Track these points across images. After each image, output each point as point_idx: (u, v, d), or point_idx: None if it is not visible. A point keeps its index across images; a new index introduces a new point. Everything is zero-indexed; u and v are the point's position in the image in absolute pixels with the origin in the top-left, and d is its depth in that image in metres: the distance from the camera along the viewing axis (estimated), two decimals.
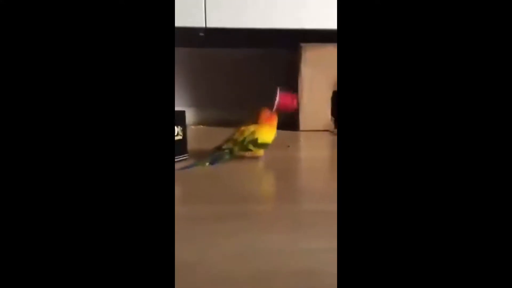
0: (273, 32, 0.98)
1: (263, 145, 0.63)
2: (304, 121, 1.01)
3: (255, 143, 0.62)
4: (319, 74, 1.00)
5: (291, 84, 1.07)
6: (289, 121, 1.09)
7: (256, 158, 0.63)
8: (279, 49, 1.25)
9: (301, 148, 0.76)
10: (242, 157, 0.62)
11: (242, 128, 0.64)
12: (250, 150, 0.62)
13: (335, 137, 0.89)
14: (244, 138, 0.62)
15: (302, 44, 1.00)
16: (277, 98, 0.74)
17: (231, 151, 0.61)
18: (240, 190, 0.45)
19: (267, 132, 0.63)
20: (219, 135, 0.77)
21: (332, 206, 0.39)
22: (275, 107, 0.73)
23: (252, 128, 0.63)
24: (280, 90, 0.74)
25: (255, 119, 0.66)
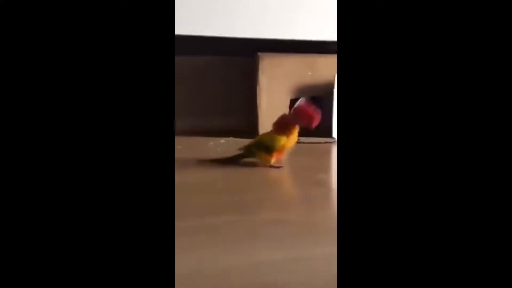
0: (231, 40, 0.98)
1: (266, 148, 0.63)
2: (263, 129, 1.02)
3: (259, 145, 0.64)
4: (277, 82, 1.02)
5: (249, 92, 1.07)
6: (249, 129, 1.10)
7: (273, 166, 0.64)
8: (237, 57, 1.26)
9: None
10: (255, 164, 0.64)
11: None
12: (254, 154, 0.64)
13: (295, 145, 0.91)
14: (251, 143, 0.66)
15: (260, 54, 1.01)
16: (295, 108, 0.67)
17: (242, 156, 0.66)
18: (196, 201, 0.44)
19: (272, 137, 0.64)
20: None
21: (291, 215, 0.39)
22: (291, 116, 0.67)
23: (263, 134, 0.67)
24: (301, 101, 0.67)
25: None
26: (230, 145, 0.89)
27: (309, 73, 1.04)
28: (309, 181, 0.54)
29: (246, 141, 1.00)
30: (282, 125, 0.65)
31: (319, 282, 0.25)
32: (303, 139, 1.01)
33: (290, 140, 0.65)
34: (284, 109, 1.06)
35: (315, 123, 0.64)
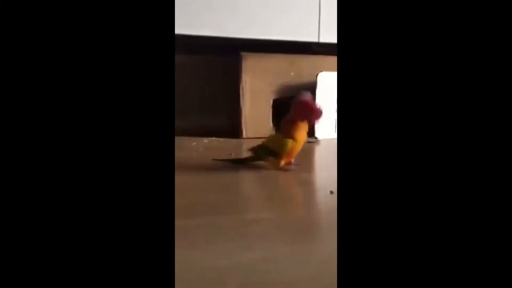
0: (214, 39, 0.98)
1: (273, 153, 0.61)
2: (247, 128, 1.02)
3: (266, 150, 0.62)
4: (259, 82, 1.02)
5: (232, 92, 1.07)
6: (232, 129, 1.10)
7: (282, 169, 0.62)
8: (220, 57, 1.26)
9: (243, 155, 0.77)
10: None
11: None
12: (262, 158, 0.63)
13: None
14: (258, 146, 0.64)
15: (243, 53, 1.01)
16: (296, 103, 0.61)
17: (251, 159, 0.65)
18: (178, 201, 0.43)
19: (279, 141, 0.60)
20: None
21: (273, 215, 0.39)
22: (293, 112, 0.61)
23: (271, 137, 0.64)
24: (299, 97, 0.60)
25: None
26: (213, 145, 0.89)
27: (292, 73, 1.04)
28: (292, 180, 0.55)
29: (229, 141, 1.00)
30: (288, 127, 0.61)
31: (302, 279, 0.25)
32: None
33: (299, 141, 0.61)
34: (267, 109, 1.07)
35: (318, 118, 0.60)
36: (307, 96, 0.61)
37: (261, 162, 0.65)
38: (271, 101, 1.04)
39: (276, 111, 1.04)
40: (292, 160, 0.64)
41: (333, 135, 1.04)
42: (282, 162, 0.61)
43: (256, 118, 1.02)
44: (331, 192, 0.47)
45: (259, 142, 0.66)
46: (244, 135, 1.01)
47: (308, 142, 0.93)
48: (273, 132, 1.03)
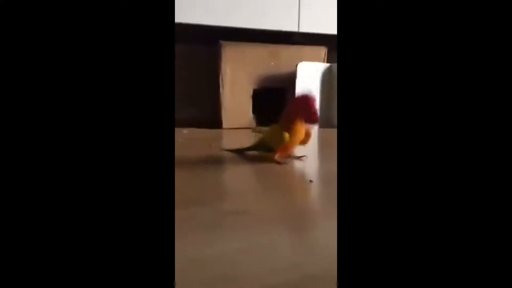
0: (194, 27, 0.96)
1: (267, 147, 0.61)
2: (226, 119, 1.01)
3: (263, 143, 0.63)
4: (239, 72, 1.01)
5: (213, 81, 1.06)
6: (212, 119, 1.09)
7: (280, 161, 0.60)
8: (199, 46, 1.23)
9: (224, 147, 0.76)
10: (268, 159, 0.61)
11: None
12: (261, 150, 0.63)
13: (258, 135, 0.91)
14: (259, 137, 0.64)
15: (222, 42, 0.99)
16: (295, 100, 0.59)
17: (249, 149, 0.65)
18: None
19: (275, 134, 0.59)
20: None
21: (251, 206, 0.39)
22: (291, 109, 0.59)
23: (271, 128, 0.62)
24: (297, 94, 0.56)
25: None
26: (192, 136, 0.88)
27: (272, 63, 1.04)
28: (270, 172, 0.55)
29: (209, 132, 0.99)
30: (285, 120, 0.58)
31: (280, 268, 0.26)
32: (265, 128, 1.01)
33: (295, 136, 0.58)
34: (247, 99, 1.06)
35: (316, 117, 0.56)
36: (308, 94, 0.57)
37: (263, 154, 0.63)
38: (251, 91, 1.03)
39: (257, 102, 1.04)
40: (292, 153, 0.63)
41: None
42: (277, 155, 0.60)
43: (236, 108, 1.02)
44: (311, 181, 0.48)
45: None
46: (224, 125, 1.01)
47: None
48: (253, 123, 1.02)
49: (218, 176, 0.53)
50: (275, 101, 1.09)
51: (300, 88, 1.02)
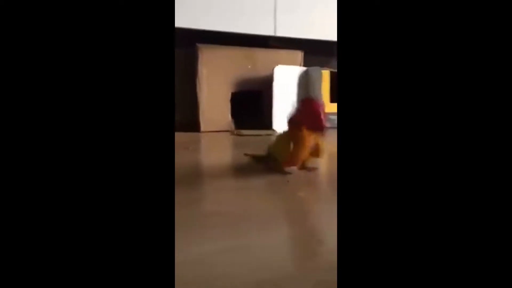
0: None
1: (274, 159, 0.55)
2: (204, 122, 1.01)
3: (271, 155, 0.56)
4: (216, 75, 1.01)
5: (190, 84, 1.05)
6: (189, 122, 1.08)
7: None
8: (177, 49, 1.22)
9: (202, 150, 0.76)
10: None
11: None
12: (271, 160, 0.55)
13: (236, 138, 0.92)
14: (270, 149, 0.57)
15: (199, 45, 0.99)
16: (300, 105, 0.53)
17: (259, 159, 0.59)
18: None
19: (277, 143, 0.55)
20: None
21: (230, 207, 0.39)
22: (296, 115, 0.52)
23: (277, 138, 0.56)
24: (302, 100, 0.51)
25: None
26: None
27: (249, 66, 1.05)
28: (249, 173, 0.55)
29: (187, 135, 0.99)
30: (291, 128, 0.52)
31: (257, 269, 0.26)
32: (244, 131, 1.02)
33: (302, 145, 0.51)
34: (225, 102, 1.06)
35: (323, 125, 0.50)
36: (314, 99, 0.52)
37: (272, 165, 0.56)
38: (229, 94, 1.03)
39: (235, 104, 1.04)
40: (302, 164, 0.55)
41: None
42: (284, 166, 0.54)
43: (214, 111, 1.02)
44: (287, 182, 0.49)
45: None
46: (202, 128, 1.00)
47: (266, 135, 0.94)
48: (232, 126, 1.02)
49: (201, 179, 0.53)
50: (253, 104, 1.09)
51: (277, 91, 1.03)
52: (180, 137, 0.91)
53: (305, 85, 1.07)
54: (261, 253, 0.28)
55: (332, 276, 0.25)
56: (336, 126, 1.08)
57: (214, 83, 1.01)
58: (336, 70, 1.07)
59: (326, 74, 1.05)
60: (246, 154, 0.65)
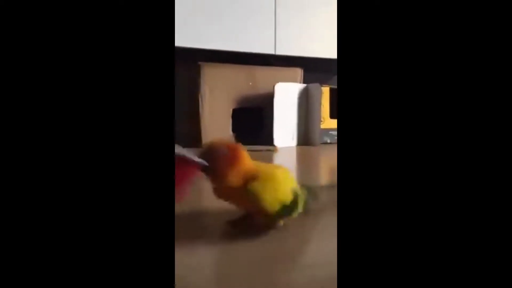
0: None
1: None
2: (206, 137, 1.02)
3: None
4: (218, 92, 1.03)
5: (192, 101, 1.07)
6: (191, 138, 1.09)
7: None
8: (180, 66, 1.25)
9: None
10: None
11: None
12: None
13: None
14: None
15: (201, 63, 1.02)
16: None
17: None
18: None
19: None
20: None
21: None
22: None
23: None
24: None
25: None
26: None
27: (250, 83, 1.07)
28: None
29: (188, 150, 0.99)
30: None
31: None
32: (245, 147, 1.03)
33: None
34: (227, 118, 1.08)
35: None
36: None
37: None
38: (231, 110, 1.05)
39: (236, 121, 1.06)
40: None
41: (291, 143, 1.08)
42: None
43: (215, 127, 1.03)
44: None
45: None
46: (204, 143, 1.02)
47: (267, 150, 0.96)
48: (233, 141, 1.04)
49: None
50: (254, 120, 1.11)
51: (278, 108, 1.05)
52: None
53: (305, 101, 1.10)
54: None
55: None
56: (336, 141, 1.09)
57: (216, 99, 1.03)
58: (335, 87, 1.09)
59: (326, 91, 1.08)
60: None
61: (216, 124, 1.03)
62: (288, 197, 0.36)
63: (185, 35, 0.95)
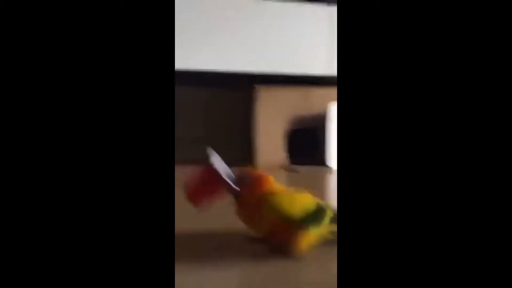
0: (227, 74, 1.02)
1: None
2: (260, 158, 1.04)
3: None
4: (272, 114, 1.06)
5: (246, 123, 1.11)
6: (245, 158, 1.12)
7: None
8: (233, 90, 1.31)
9: None
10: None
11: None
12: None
13: (291, 174, 0.93)
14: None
15: (257, 86, 1.05)
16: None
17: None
18: None
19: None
20: None
21: None
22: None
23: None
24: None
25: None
26: None
27: (304, 104, 1.08)
28: None
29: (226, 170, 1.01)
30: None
31: None
32: (299, 168, 1.04)
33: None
34: (281, 139, 1.10)
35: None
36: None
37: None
38: (285, 131, 1.07)
39: (291, 142, 1.07)
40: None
41: None
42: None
43: (269, 148, 1.05)
44: None
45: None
46: (258, 164, 1.04)
47: (321, 171, 0.95)
48: (287, 162, 1.05)
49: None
50: (308, 141, 1.11)
51: (333, 127, 1.04)
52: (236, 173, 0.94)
53: None
54: None
55: None
56: None
57: (270, 122, 1.05)
58: None
59: None
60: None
61: (270, 145, 1.05)
62: (310, 205, 0.36)
63: (241, 59, 0.99)
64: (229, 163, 0.92)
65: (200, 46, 0.97)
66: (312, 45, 1.04)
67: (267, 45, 1.02)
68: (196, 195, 0.37)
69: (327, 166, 1.02)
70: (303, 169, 0.97)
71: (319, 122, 1.07)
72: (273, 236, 0.36)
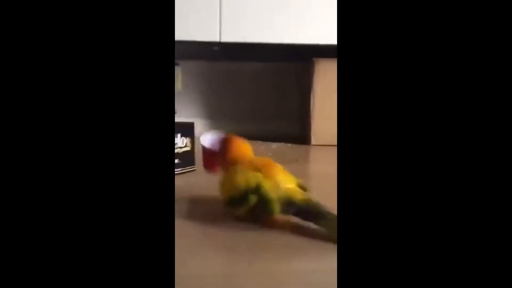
0: (287, 47, 1.00)
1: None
2: (316, 135, 1.02)
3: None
4: (330, 88, 0.99)
5: (302, 98, 1.06)
6: (300, 135, 1.08)
7: None
8: (292, 63, 1.22)
9: (310, 162, 0.77)
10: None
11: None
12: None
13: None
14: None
15: (315, 59, 1.00)
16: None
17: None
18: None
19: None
20: None
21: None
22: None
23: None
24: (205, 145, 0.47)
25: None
26: (280, 150, 0.91)
27: None
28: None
29: (297, 147, 0.98)
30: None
31: None
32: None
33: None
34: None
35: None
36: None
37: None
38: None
39: None
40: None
41: None
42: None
43: (326, 125, 1.02)
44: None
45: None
46: (313, 141, 1.02)
47: None
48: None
49: None
50: None
51: None
52: (290, 149, 0.93)
53: None
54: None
55: None
56: None
57: (328, 96, 0.98)
58: None
59: None
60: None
61: (326, 122, 1.02)
62: (250, 186, 0.36)
63: (298, 31, 0.96)
64: (283, 137, 0.81)
65: (258, 19, 0.94)
66: None
67: (324, 17, 0.95)
68: (208, 164, 0.47)
69: None
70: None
71: None
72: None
